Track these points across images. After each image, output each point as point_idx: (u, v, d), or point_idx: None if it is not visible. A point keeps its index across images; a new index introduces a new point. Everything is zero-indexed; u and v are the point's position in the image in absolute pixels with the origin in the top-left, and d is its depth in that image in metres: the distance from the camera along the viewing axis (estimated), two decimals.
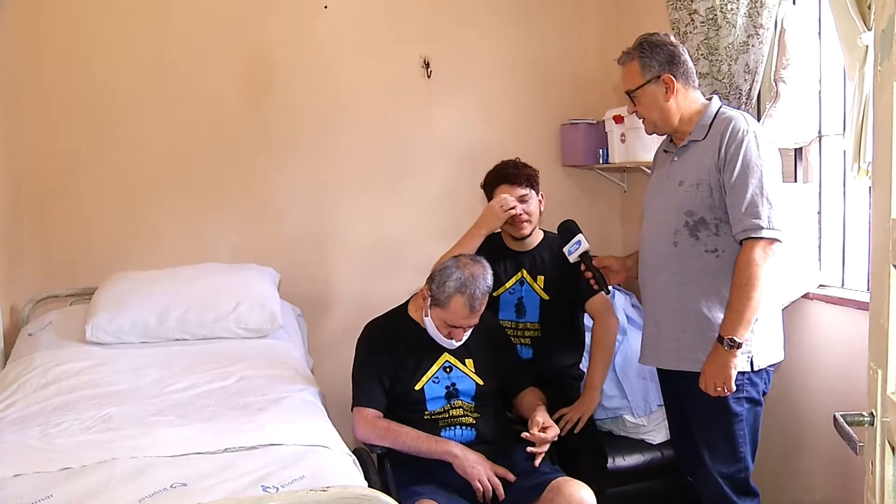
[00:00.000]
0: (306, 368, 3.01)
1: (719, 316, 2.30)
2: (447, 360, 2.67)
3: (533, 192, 2.94)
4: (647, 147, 3.39)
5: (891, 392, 1.33)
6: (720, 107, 2.43)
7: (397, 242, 3.95)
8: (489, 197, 3.01)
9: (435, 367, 2.65)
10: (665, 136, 2.58)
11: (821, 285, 2.86)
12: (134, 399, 2.57)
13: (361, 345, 2.71)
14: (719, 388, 2.27)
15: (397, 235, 3.95)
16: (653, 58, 2.38)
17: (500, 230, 3.02)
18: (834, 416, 1.45)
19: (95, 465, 1.94)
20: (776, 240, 2.24)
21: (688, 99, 2.42)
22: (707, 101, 2.45)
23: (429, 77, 3.92)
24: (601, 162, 3.83)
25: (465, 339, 2.63)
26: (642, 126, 3.25)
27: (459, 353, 2.67)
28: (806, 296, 2.84)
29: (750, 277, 2.21)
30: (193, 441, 2.11)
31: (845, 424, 1.41)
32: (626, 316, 3.54)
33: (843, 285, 2.81)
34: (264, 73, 3.76)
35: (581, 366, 3.14)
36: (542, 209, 3.01)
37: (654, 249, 2.47)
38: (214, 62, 3.70)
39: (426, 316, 2.61)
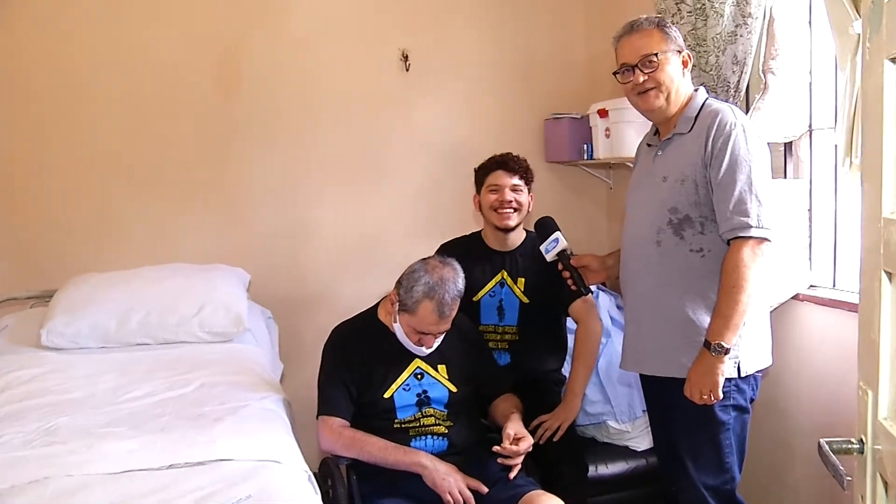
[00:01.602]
0: (272, 374, 2.89)
1: (705, 319, 2.19)
2: (418, 367, 2.55)
3: (526, 188, 2.89)
4: (632, 142, 3.21)
5: (882, 417, 1.17)
6: (706, 98, 2.33)
7: (374, 241, 3.86)
8: (478, 185, 2.93)
9: (405, 374, 2.53)
10: (649, 130, 2.48)
11: (811, 286, 2.77)
12: (87, 408, 2.44)
13: (327, 350, 2.60)
14: (705, 396, 2.16)
15: (375, 234, 3.87)
16: (673, 32, 2.30)
17: (481, 228, 2.95)
18: (818, 443, 1.29)
19: (25, 485, 1.81)
20: (766, 239, 2.13)
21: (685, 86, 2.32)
22: (692, 93, 2.33)
23: (407, 70, 3.83)
24: (586, 158, 3.73)
25: (436, 345, 2.51)
26: (628, 120, 3.32)
27: (432, 359, 2.56)
28: (795, 297, 2.75)
29: (738, 279, 2.10)
30: (138, 456, 1.98)
31: (831, 454, 1.25)
32: (611, 317, 3.43)
33: (834, 286, 2.72)
34: (237, 65, 3.66)
35: (563, 371, 3.04)
36: (530, 209, 2.94)
37: (635, 248, 2.37)
38: (185, 54, 3.59)
39: (395, 322, 2.49)
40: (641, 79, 2.26)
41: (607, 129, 3.47)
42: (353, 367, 2.51)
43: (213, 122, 3.64)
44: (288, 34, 3.69)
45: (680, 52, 2.29)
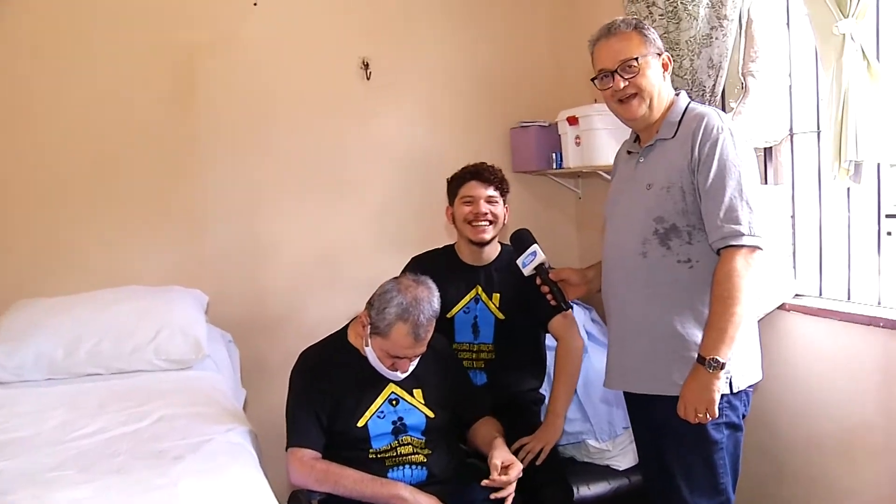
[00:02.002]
0: (236, 403, 2.72)
1: (694, 333, 2.10)
2: (393, 392, 2.41)
3: (502, 199, 2.82)
4: (603, 150, 3.23)
5: None
6: (689, 102, 2.25)
7: (339, 257, 3.74)
8: (451, 196, 2.84)
9: (379, 401, 2.39)
10: (628, 137, 2.40)
11: (796, 295, 2.74)
12: (33, 448, 2.24)
13: (295, 377, 2.44)
14: (701, 415, 2.06)
15: (338, 250, 3.74)
16: (652, 34, 2.22)
17: (454, 241, 2.87)
18: None
19: None
20: (758, 248, 2.05)
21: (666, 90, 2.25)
22: (674, 97, 2.26)
23: (368, 79, 3.73)
24: (554, 167, 3.65)
25: (411, 368, 2.38)
26: (599, 128, 3.26)
27: (407, 384, 2.42)
28: (781, 307, 2.70)
29: (731, 290, 2.01)
30: None
31: None
32: (587, 332, 3.35)
33: (820, 294, 2.70)
34: (190, 75, 3.50)
35: (542, 390, 2.93)
36: (505, 221, 2.86)
37: (619, 260, 2.26)
38: (135, 64, 3.42)
39: (367, 346, 2.36)
40: (622, 85, 2.18)
41: (577, 137, 3.40)
42: (323, 395, 2.36)
43: (167, 136, 3.47)
44: (243, 43, 3.55)
45: (660, 54, 2.21)
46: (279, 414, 2.41)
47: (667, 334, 2.14)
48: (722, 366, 2.01)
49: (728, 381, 2.10)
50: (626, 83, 2.17)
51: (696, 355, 2.06)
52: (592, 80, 2.25)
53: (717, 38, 2.69)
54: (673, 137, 2.17)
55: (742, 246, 2.02)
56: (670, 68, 2.24)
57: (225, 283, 3.52)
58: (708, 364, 2.01)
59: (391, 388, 2.41)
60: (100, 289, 3.09)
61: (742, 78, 2.67)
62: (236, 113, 3.55)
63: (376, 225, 3.78)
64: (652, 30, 2.23)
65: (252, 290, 3.61)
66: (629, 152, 2.36)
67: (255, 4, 3.55)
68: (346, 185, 3.74)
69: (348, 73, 3.71)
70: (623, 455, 3.12)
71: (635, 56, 2.16)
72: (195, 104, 3.50)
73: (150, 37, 3.43)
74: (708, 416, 2.05)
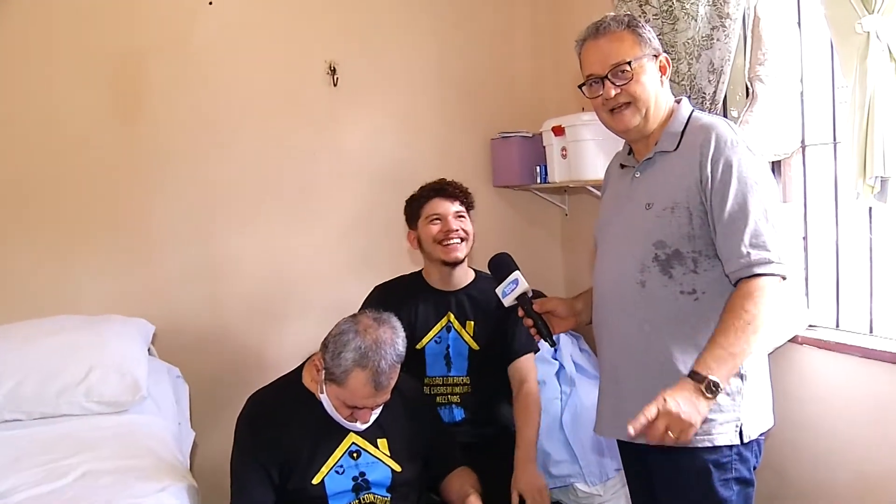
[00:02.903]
0: (176, 452, 2.43)
1: None
2: (354, 443, 2.16)
3: (468, 214, 2.68)
4: (593, 163, 3.08)
5: None
6: (692, 111, 2.03)
7: (301, 282, 3.53)
8: (412, 219, 2.68)
9: (338, 453, 2.14)
10: (621, 149, 2.18)
11: (810, 326, 2.55)
12: None
13: (242, 426, 2.18)
14: (673, 436, 1.76)
15: (302, 272, 3.53)
16: (647, 32, 1.99)
17: (421, 267, 2.72)
18: None
19: None
20: (784, 277, 1.84)
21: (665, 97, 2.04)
22: (674, 104, 2.04)
23: (335, 85, 3.53)
24: (539, 181, 3.54)
25: (373, 418, 2.13)
26: (588, 138, 3.09)
27: (370, 433, 2.17)
28: (793, 340, 2.52)
29: (755, 314, 1.78)
30: None
31: None
32: (574, 363, 3.22)
33: (837, 326, 2.51)
34: (136, 82, 3.27)
35: None
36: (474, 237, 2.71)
37: (613, 290, 2.05)
38: (74, 70, 3.17)
39: (321, 392, 2.11)
40: (613, 92, 1.96)
41: (563, 149, 3.27)
42: (273, 447, 2.11)
43: (110, 149, 3.23)
44: (195, 47, 3.33)
45: (656, 55, 1.99)
46: None
47: (667, 376, 1.90)
48: (719, 391, 1.76)
49: (738, 429, 1.90)
50: (618, 91, 1.95)
51: (713, 403, 1.80)
52: (580, 86, 2.03)
53: (718, 40, 2.50)
54: (675, 150, 1.96)
55: (772, 275, 1.80)
56: (669, 71, 2.02)
57: (174, 312, 3.29)
58: (706, 386, 1.75)
59: (352, 438, 2.17)
60: (26, 320, 2.82)
61: (749, 83, 2.48)
62: (187, 123, 3.33)
63: (344, 245, 3.59)
64: (647, 27, 2.01)
65: (205, 319, 3.38)
66: (623, 166, 2.14)
67: (210, 3, 3.33)
68: (311, 203, 3.55)
69: (313, 79, 3.52)
70: (615, 500, 2.97)
71: (628, 59, 1.94)
72: (140, 114, 3.27)
73: (93, 38, 3.20)
74: (680, 440, 1.76)
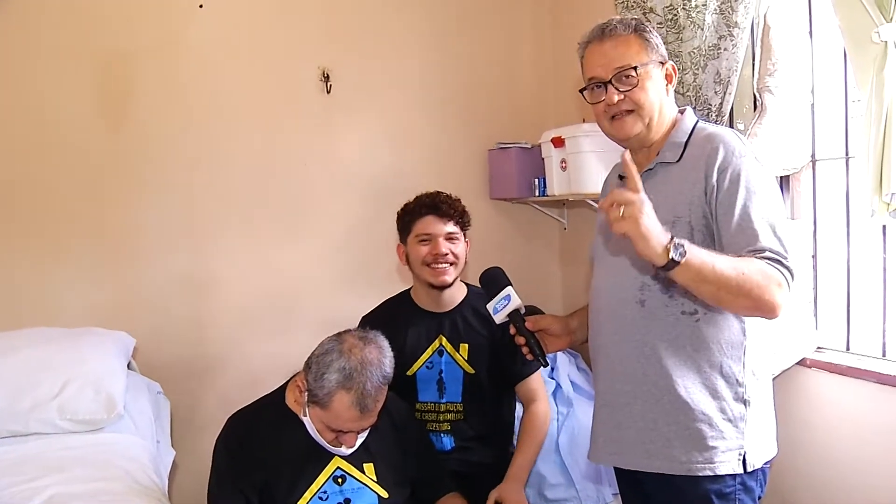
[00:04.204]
0: (153, 474, 2.31)
1: (701, 400, 1.81)
2: (339, 468, 2.06)
3: (462, 235, 2.55)
4: (593, 175, 3.01)
5: None
6: (696, 121, 1.95)
7: (292, 295, 3.43)
8: (403, 233, 2.56)
9: (322, 478, 2.04)
10: (621, 158, 2.06)
11: (818, 348, 2.48)
12: None
13: (220, 449, 2.08)
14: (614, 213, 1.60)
15: (292, 286, 3.44)
16: (654, 38, 1.91)
17: (410, 286, 2.60)
18: None
19: None
20: (790, 281, 1.71)
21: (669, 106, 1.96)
22: (677, 115, 1.96)
23: (328, 93, 3.45)
24: (537, 194, 3.47)
25: (360, 441, 2.03)
26: (588, 150, 3.02)
27: (356, 457, 2.08)
28: (801, 362, 2.45)
29: (749, 278, 1.63)
30: None
31: None
32: (572, 382, 3.14)
33: (847, 349, 2.43)
34: (124, 86, 3.18)
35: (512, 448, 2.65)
36: (466, 259, 2.58)
37: (611, 309, 1.96)
38: (60, 73, 3.09)
39: (304, 415, 2.01)
40: (616, 98, 1.88)
41: (563, 161, 3.19)
42: (253, 471, 2.02)
43: (92, 154, 3.13)
44: (186, 51, 3.25)
45: (663, 63, 1.91)
46: None
47: (667, 401, 1.85)
48: (679, 252, 1.58)
49: (741, 458, 1.82)
50: (622, 97, 1.87)
51: (700, 414, 1.78)
52: (581, 90, 1.94)
53: (725, 49, 2.44)
54: (678, 161, 1.88)
55: (788, 268, 1.68)
56: (675, 80, 1.94)
57: (158, 325, 3.19)
58: (672, 243, 1.58)
59: (336, 462, 2.07)
60: (1, 331, 2.70)
61: (758, 94, 2.40)
62: (175, 129, 3.24)
63: (336, 258, 3.50)
64: (655, 33, 1.93)
65: (190, 333, 3.28)
66: (622, 177, 2.05)
67: (200, 6, 3.25)
68: (302, 214, 3.47)
69: (306, 86, 3.44)
70: None
71: (634, 64, 1.86)
72: (126, 119, 3.18)
73: (81, 41, 3.11)
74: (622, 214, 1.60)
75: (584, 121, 3.13)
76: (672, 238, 1.58)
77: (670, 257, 1.57)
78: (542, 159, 3.36)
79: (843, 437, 2.32)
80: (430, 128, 3.65)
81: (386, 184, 3.47)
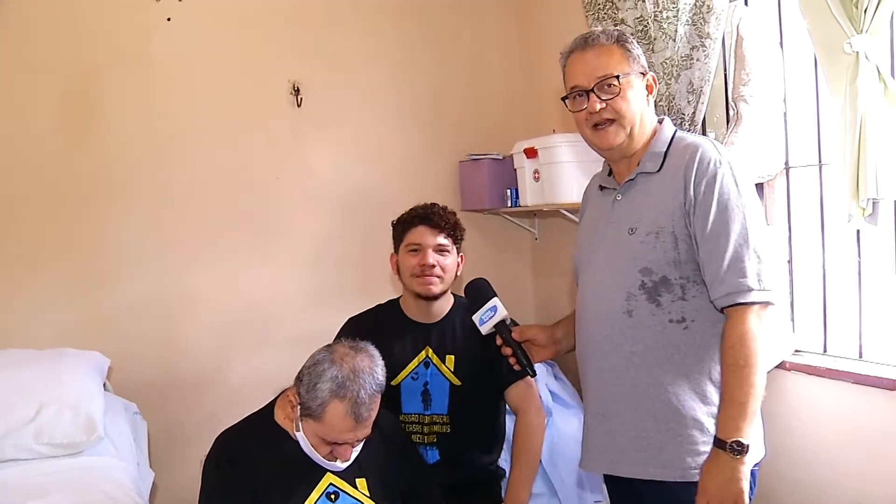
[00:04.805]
0: (136, 496, 2.26)
1: (692, 407, 1.81)
2: (331, 484, 2.02)
3: (454, 248, 2.50)
4: (567, 186, 3.00)
5: None
6: (675, 131, 1.96)
7: (265, 311, 3.41)
8: (397, 242, 2.52)
9: (315, 495, 1.99)
10: (601, 170, 2.09)
11: (796, 351, 2.51)
12: None
13: (209, 469, 2.02)
14: None
15: (265, 302, 3.41)
16: (636, 49, 1.92)
17: (399, 295, 2.56)
18: None
19: None
20: (769, 303, 1.76)
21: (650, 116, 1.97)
22: (657, 124, 1.97)
23: (299, 106, 3.45)
24: (510, 205, 3.46)
25: (354, 455, 2.00)
26: (562, 161, 3.01)
27: (348, 473, 2.03)
28: (780, 366, 2.47)
29: (748, 356, 1.72)
30: None
31: None
32: (550, 392, 3.11)
33: (825, 351, 2.47)
34: (88, 101, 3.14)
35: (502, 461, 2.60)
36: (459, 272, 2.53)
37: (598, 319, 1.95)
38: (22, 87, 3.05)
39: (297, 430, 1.97)
40: (598, 106, 1.88)
41: (536, 172, 3.19)
42: (243, 491, 1.96)
43: (61, 171, 3.10)
44: (152, 64, 3.22)
45: (644, 73, 1.93)
46: (196, 495, 2.02)
47: (658, 408, 1.85)
48: (746, 449, 1.70)
49: None
50: (604, 105, 1.88)
51: (691, 420, 1.79)
52: (563, 98, 1.95)
53: (698, 60, 2.48)
54: (659, 171, 1.89)
55: (753, 303, 1.73)
56: (655, 91, 1.96)
57: (131, 344, 3.13)
58: (730, 448, 1.70)
59: (329, 479, 2.02)
60: None
61: (733, 103, 2.44)
62: (142, 144, 3.20)
63: (310, 274, 3.47)
64: (636, 44, 1.95)
65: (164, 352, 3.23)
66: (602, 187, 2.05)
67: (168, 20, 3.21)
68: (274, 229, 3.43)
69: (276, 99, 3.42)
70: None
71: (616, 74, 1.87)
72: (97, 134, 3.14)
73: (44, 54, 3.06)
74: None
75: (553, 132, 3.13)
76: (732, 452, 1.69)
77: (747, 453, 1.70)
78: (515, 170, 3.36)
79: (822, 438, 2.34)
80: (401, 140, 3.64)
81: (356, 196, 3.47)
